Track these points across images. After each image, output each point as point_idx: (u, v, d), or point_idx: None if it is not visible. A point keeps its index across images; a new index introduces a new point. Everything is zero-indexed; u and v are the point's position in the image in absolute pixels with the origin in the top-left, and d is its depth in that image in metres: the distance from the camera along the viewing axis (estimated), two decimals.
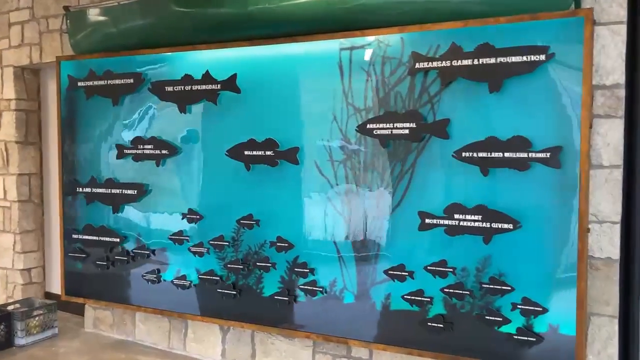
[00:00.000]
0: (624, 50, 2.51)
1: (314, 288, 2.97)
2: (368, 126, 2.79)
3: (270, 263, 3.08)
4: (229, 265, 3.19)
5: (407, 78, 2.73)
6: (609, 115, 2.53)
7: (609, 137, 2.53)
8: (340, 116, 2.89)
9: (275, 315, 3.10)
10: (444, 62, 2.61)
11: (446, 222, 2.64)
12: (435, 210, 2.68)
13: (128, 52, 3.40)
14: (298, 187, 3.00)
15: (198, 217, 3.26)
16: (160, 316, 3.61)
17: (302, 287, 3.00)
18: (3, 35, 4.40)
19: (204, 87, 3.17)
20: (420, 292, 2.73)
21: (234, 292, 3.18)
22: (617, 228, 2.55)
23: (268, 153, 3.03)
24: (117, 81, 3.42)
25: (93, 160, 3.58)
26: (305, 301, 3.02)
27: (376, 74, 2.80)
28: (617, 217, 2.55)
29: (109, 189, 3.51)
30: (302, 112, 2.98)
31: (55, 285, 4.52)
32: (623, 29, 2.50)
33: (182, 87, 3.22)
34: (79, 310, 4.18)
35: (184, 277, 3.33)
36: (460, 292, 2.64)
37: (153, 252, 3.42)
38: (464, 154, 2.59)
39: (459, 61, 2.58)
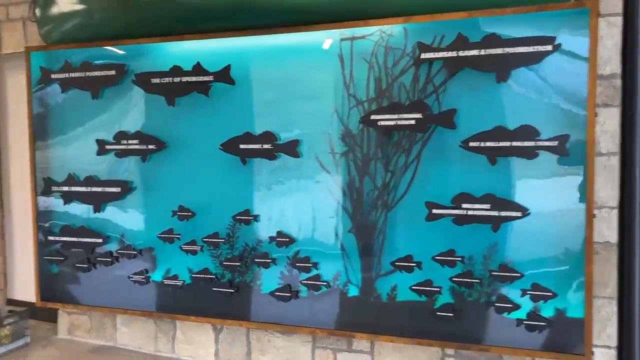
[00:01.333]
0: (620, 41, 2.60)
1: (317, 282, 2.93)
2: (372, 117, 2.77)
3: (270, 259, 3.00)
4: (224, 263, 3.09)
5: (411, 69, 2.72)
6: (607, 105, 2.62)
7: (607, 126, 2.62)
8: (341, 108, 2.85)
9: (275, 312, 3.03)
10: (450, 52, 2.61)
11: (454, 211, 2.66)
12: (442, 200, 2.69)
13: (108, 42, 3.22)
14: (298, 181, 2.94)
15: (190, 214, 3.14)
16: (144, 318, 3.46)
17: (304, 282, 2.95)
18: None
19: (194, 78, 3.04)
20: (428, 283, 2.74)
21: (231, 290, 3.08)
22: (615, 213, 2.65)
23: (266, 146, 2.95)
24: (97, 73, 3.23)
25: (70, 158, 3.37)
26: (307, 296, 2.97)
27: (379, 65, 2.77)
28: (615, 203, 2.64)
29: (89, 187, 3.32)
30: (301, 105, 2.91)
31: (19, 291, 4.25)
32: (619, 20, 2.59)
33: (171, 79, 3.08)
34: (49, 317, 3.96)
35: (175, 277, 3.19)
36: (469, 280, 2.67)
37: (140, 252, 3.26)
38: (471, 144, 2.61)
39: (466, 52, 2.59)
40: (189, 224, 3.15)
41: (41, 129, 3.43)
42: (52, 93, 3.38)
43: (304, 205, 2.95)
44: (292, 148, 2.91)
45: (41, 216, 3.47)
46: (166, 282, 3.21)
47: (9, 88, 4.14)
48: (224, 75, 2.99)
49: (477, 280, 2.66)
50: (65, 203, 3.39)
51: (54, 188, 3.40)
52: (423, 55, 2.66)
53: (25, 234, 4.16)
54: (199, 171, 3.11)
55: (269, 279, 3.04)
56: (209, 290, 3.13)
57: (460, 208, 2.65)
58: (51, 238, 3.44)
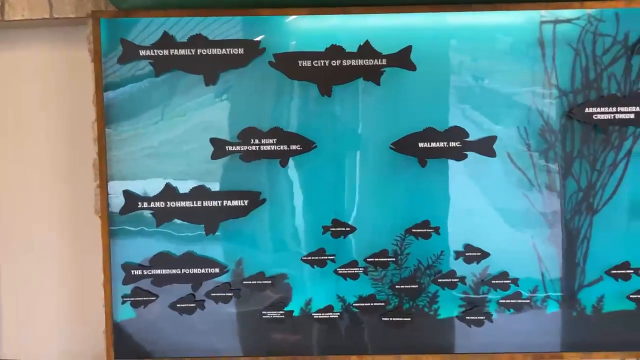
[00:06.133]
0: None
1: (519, 301, 2.55)
2: (587, 110, 2.47)
3: (457, 278, 2.55)
4: (397, 287, 2.56)
5: (623, 58, 2.48)
6: None
7: None
8: (540, 99, 2.51)
9: (452, 339, 2.59)
10: None
11: None
12: None
13: (234, 11, 2.46)
14: (489, 185, 2.53)
15: (348, 229, 2.53)
16: None
17: (502, 301, 2.55)
18: None
19: (361, 62, 2.46)
20: None
21: (408, 319, 2.56)
22: None
23: (453, 144, 2.49)
24: (216, 51, 2.46)
25: (167, 163, 2.53)
26: (497, 318, 2.58)
27: (586, 53, 2.49)
28: None
29: (199, 201, 2.52)
30: (492, 96, 2.51)
31: (9, 348, 3.13)
32: None
33: (327, 62, 2.46)
34: None
35: (329, 309, 2.56)
36: None
37: (272, 280, 2.56)
38: None
39: None
40: (347, 241, 2.55)
41: (118, 124, 2.52)
42: (137, 76, 2.50)
43: (491, 213, 2.55)
44: (487, 146, 2.49)
45: (117, 244, 2.55)
46: (316, 315, 2.56)
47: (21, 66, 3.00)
48: (403, 58, 2.46)
49: None
50: (159, 224, 2.53)
51: (141, 204, 2.52)
52: None
53: (16, 266, 3.07)
54: (360, 176, 2.53)
55: (447, 302, 2.58)
56: (376, 320, 2.57)
57: None
58: (137, 272, 2.55)
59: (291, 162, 2.51)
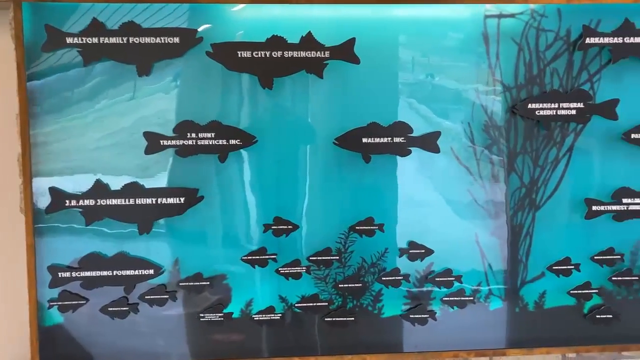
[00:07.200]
0: None
1: (463, 298, 2.53)
2: (530, 106, 2.46)
3: (401, 276, 2.50)
4: (341, 285, 2.49)
5: (565, 54, 2.48)
6: None
7: None
8: (484, 94, 2.49)
9: (404, 338, 2.55)
10: (617, 38, 2.45)
11: (614, 207, 2.52)
12: (597, 196, 2.53)
13: None
14: (433, 181, 2.50)
15: (291, 227, 2.45)
16: None
17: (446, 299, 2.53)
18: None
19: (303, 54, 2.37)
20: (587, 285, 2.55)
21: (352, 318, 2.50)
22: None
23: (397, 140, 2.43)
24: (150, 40, 2.32)
25: (97, 158, 2.38)
26: (441, 315, 2.55)
27: (529, 48, 2.48)
28: None
29: (132, 199, 2.38)
30: (436, 89, 2.47)
31: None
32: None
33: (269, 54, 2.36)
34: None
35: (270, 310, 2.47)
36: (629, 278, 2.55)
37: (211, 282, 2.45)
38: (633, 136, 2.49)
39: (632, 39, 2.45)
40: (289, 239, 2.46)
41: (43, 118, 2.35)
42: (63, 65, 2.34)
43: (436, 209, 2.51)
44: (431, 142, 2.45)
45: (43, 244, 2.39)
46: (257, 317, 2.47)
47: None
48: (346, 51, 2.38)
49: (636, 278, 2.56)
50: (88, 223, 2.38)
51: (69, 202, 2.37)
52: (588, 40, 2.45)
53: None
54: (303, 172, 2.45)
55: (391, 300, 2.54)
56: (317, 321, 2.50)
57: (621, 203, 2.51)
58: (65, 275, 2.39)
59: (231, 157, 2.40)
